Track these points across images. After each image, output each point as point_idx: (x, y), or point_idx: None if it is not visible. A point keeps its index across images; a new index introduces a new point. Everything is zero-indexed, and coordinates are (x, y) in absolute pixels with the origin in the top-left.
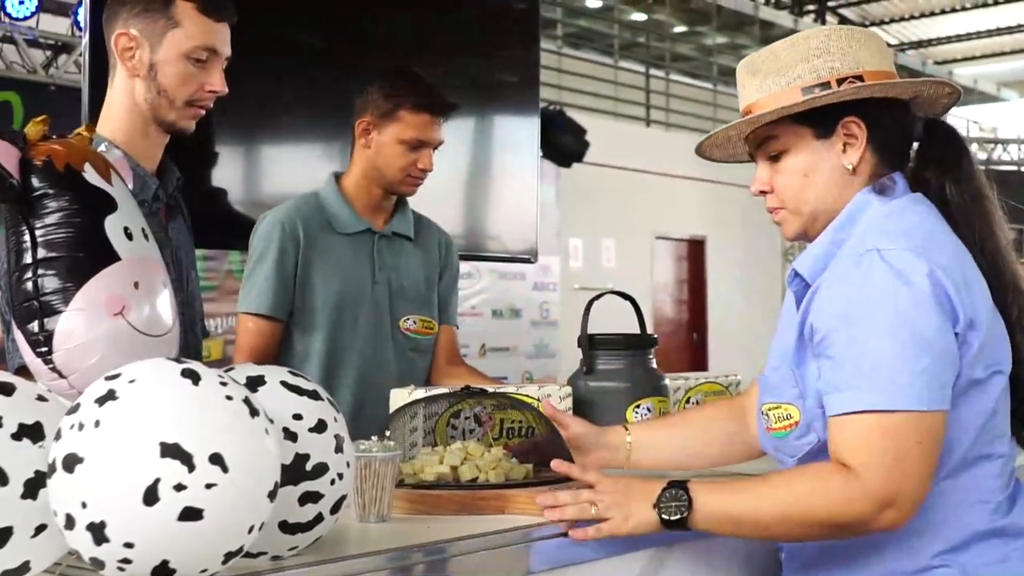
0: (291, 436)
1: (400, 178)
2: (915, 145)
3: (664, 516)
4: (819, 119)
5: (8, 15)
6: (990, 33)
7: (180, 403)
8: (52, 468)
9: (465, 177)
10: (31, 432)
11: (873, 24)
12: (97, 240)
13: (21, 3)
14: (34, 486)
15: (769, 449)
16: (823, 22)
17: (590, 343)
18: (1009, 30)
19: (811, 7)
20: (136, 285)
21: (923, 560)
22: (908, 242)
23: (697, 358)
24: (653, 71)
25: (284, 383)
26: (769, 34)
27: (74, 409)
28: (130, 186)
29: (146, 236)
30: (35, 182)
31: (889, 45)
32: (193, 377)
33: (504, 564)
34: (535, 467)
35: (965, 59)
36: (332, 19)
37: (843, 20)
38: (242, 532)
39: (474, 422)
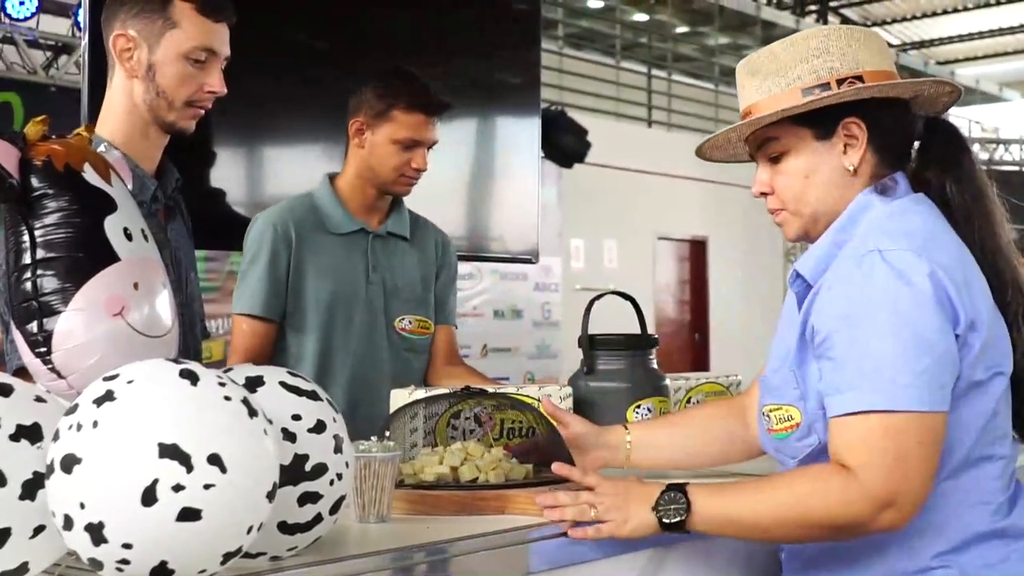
0: (290, 436)
1: (394, 178)
2: (916, 144)
3: (663, 519)
4: (819, 120)
5: (8, 16)
6: (992, 33)
7: (178, 404)
8: (50, 469)
9: (466, 178)
10: (29, 433)
11: (875, 24)
12: (96, 240)
13: (21, 4)
14: (32, 487)
15: (770, 450)
16: (825, 22)
17: (591, 343)
18: (1011, 30)
19: (813, 7)
20: (135, 286)
21: (923, 561)
22: (909, 243)
23: (698, 358)
24: (655, 71)
25: (283, 383)
26: (771, 34)
27: (72, 410)
28: (129, 187)
29: (145, 237)
30: (35, 182)
31: (891, 45)
32: (191, 378)
33: (504, 564)
34: (535, 467)
35: (967, 59)
36: (332, 19)
37: (845, 20)
38: (241, 533)
39: (474, 422)
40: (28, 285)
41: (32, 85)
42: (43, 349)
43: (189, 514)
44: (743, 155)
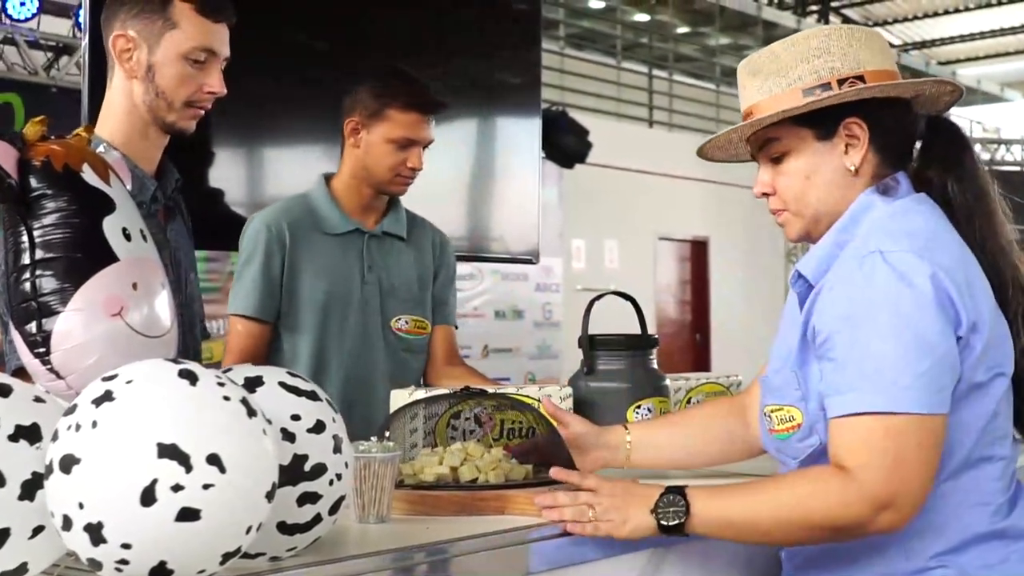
0: (289, 437)
1: (389, 178)
2: (918, 144)
3: (662, 521)
4: (820, 120)
5: (9, 16)
6: (993, 33)
7: (177, 404)
8: (49, 469)
9: (467, 178)
10: (28, 433)
11: (876, 24)
12: (95, 241)
13: (22, 4)
14: (31, 487)
15: (771, 450)
16: (826, 23)
17: (591, 344)
18: (1013, 30)
19: (814, 8)
20: (134, 286)
21: (921, 561)
22: (911, 244)
23: (700, 359)
24: (656, 72)
25: (282, 384)
26: (772, 35)
27: (71, 410)
28: (128, 187)
29: (144, 237)
30: (33, 182)
31: (892, 45)
32: (190, 378)
33: (504, 565)
34: (535, 468)
35: (968, 59)
36: (333, 20)
37: (846, 20)
38: (240, 533)
39: (474, 423)
40: (27, 285)
41: (33, 86)
42: (42, 349)
43: (188, 514)
44: (745, 155)
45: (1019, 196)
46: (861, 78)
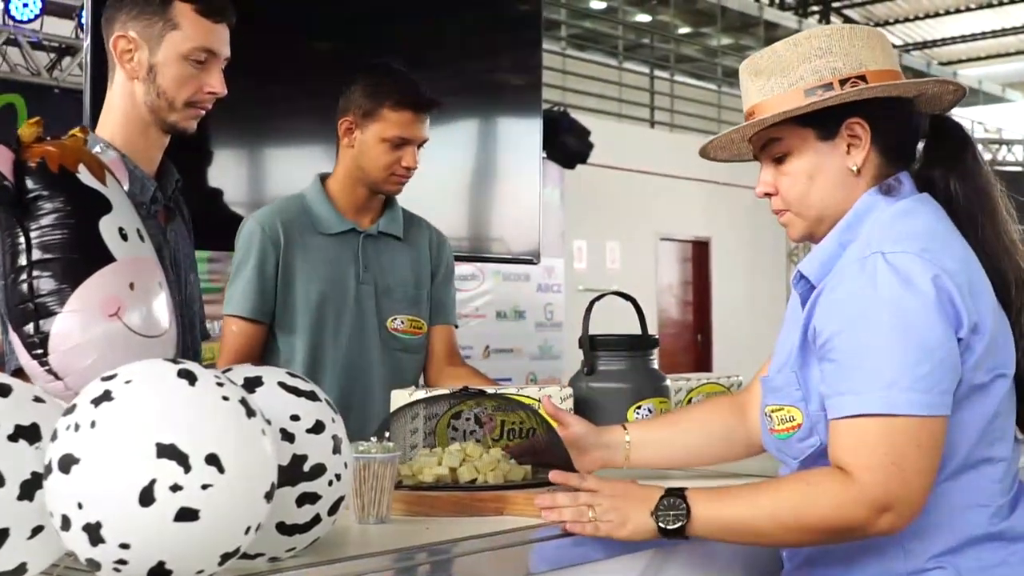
0: (288, 437)
1: (384, 177)
2: (921, 143)
3: (662, 525)
4: (822, 121)
5: (12, 17)
6: (995, 34)
7: (176, 404)
8: (48, 469)
9: (468, 179)
10: (27, 433)
11: (877, 25)
12: (92, 241)
13: (25, 6)
14: (31, 487)
15: (772, 450)
16: (827, 23)
17: (591, 344)
18: (1014, 31)
19: (815, 8)
20: (131, 286)
21: (920, 562)
22: (913, 245)
23: (701, 359)
24: (657, 72)
25: (282, 384)
26: (773, 35)
27: (70, 410)
28: (126, 187)
29: (141, 237)
30: (29, 184)
31: (894, 46)
32: (189, 378)
33: (504, 565)
34: (533, 468)
35: (970, 60)
36: (335, 21)
37: (847, 21)
38: (238, 533)
39: (475, 423)
40: (24, 287)
41: (36, 87)
42: (40, 351)
43: (187, 514)
44: (747, 154)
45: (1022, 196)
46: (863, 78)
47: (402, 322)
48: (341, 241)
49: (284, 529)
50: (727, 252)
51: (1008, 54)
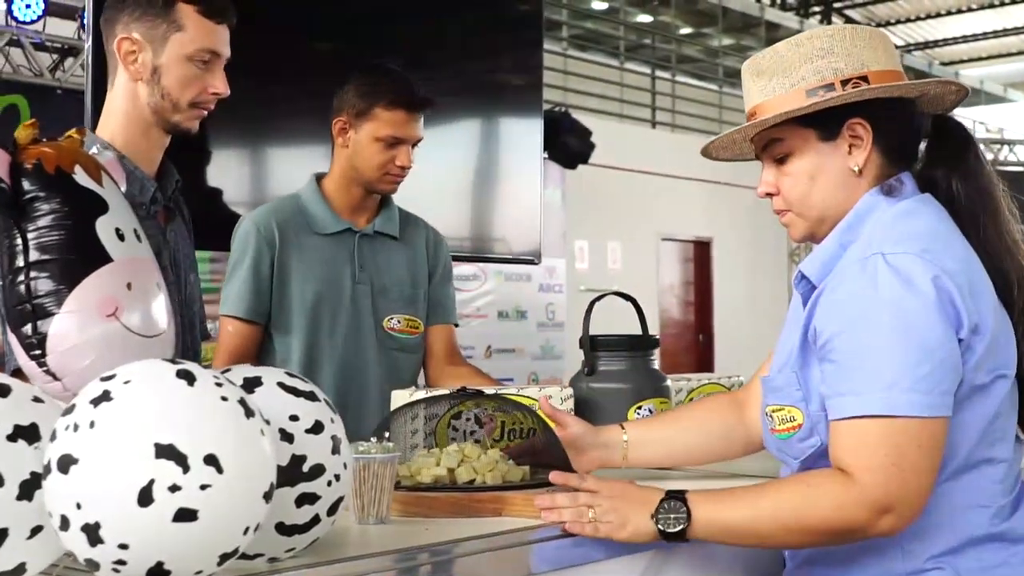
0: (287, 437)
1: (378, 176)
2: (924, 143)
3: (662, 527)
4: (824, 121)
5: (15, 18)
6: (996, 34)
7: (175, 404)
8: (47, 469)
9: (469, 179)
10: (27, 433)
11: (879, 25)
12: (89, 242)
13: (28, 7)
14: (30, 487)
15: (773, 450)
16: (829, 24)
17: (592, 344)
18: (1016, 31)
19: (817, 9)
20: (129, 286)
21: (919, 562)
22: (914, 245)
23: (703, 359)
24: (659, 73)
25: (281, 384)
26: (775, 36)
27: (69, 410)
28: (123, 188)
29: (138, 237)
30: (26, 185)
31: (895, 46)
32: (188, 378)
33: (505, 565)
34: (532, 469)
35: (971, 60)
36: (335, 21)
37: (849, 21)
38: (237, 533)
39: (475, 423)
40: (22, 288)
41: (38, 87)
42: (38, 351)
43: (185, 514)
44: (749, 154)
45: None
46: (865, 79)
47: (398, 322)
48: (337, 241)
49: (283, 529)
50: (728, 252)
51: (1010, 54)
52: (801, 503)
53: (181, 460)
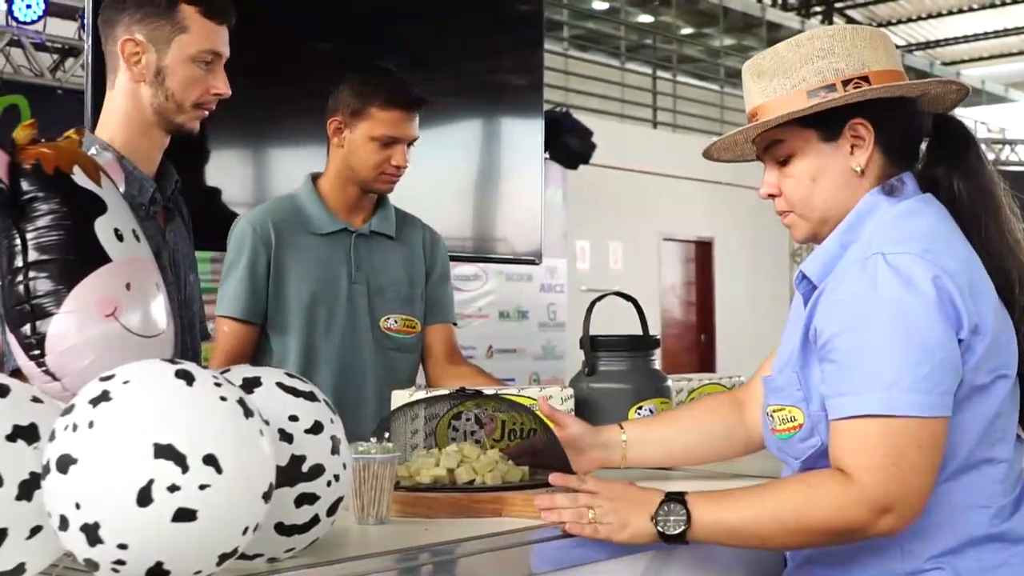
0: (287, 437)
1: (374, 176)
2: (925, 143)
3: (662, 529)
4: (825, 122)
5: (15, 19)
6: (997, 34)
7: (174, 404)
8: (46, 469)
9: (470, 179)
10: (26, 433)
11: (880, 25)
12: (87, 242)
13: (28, 7)
14: (29, 487)
15: (774, 450)
16: (830, 24)
17: (592, 344)
18: (1017, 31)
19: (818, 9)
20: (128, 286)
21: (918, 562)
22: (914, 246)
23: (705, 360)
24: (660, 73)
25: (280, 384)
26: (776, 36)
27: (68, 410)
28: (122, 188)
29: (137, 237)
30: (24, 185)
31: (896, 46)
32: (187, 378)
33: (505, 566)
34: (531, 469)
35: (972, 60)
36: (336, 22)
37: (850, 21)
38: (236, 533)
39: (475, 423)
40: (21, 288)
41: (39, 88)
42: (37, 352)
43: (184, 515)
44: (751, 154)
45: None
46: (866, 79)
47: (395, 321)
48: (333, 241)
49: (283, 530)
50: (730, 252)
51: (1011, 54)
52: (802, 503)
53: (180, 460)
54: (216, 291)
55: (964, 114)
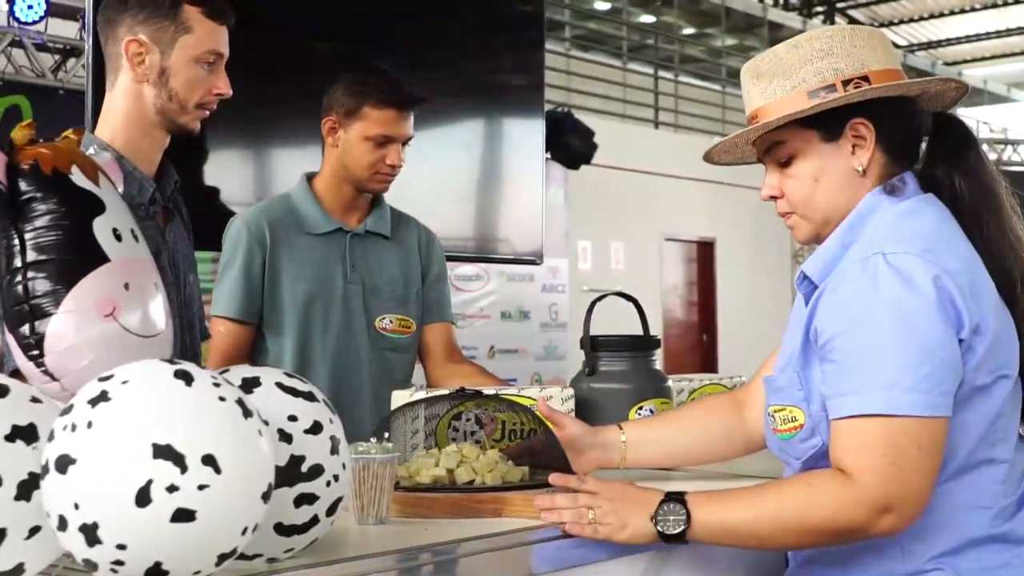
0: (286, 438)
1: (369, 175)
2: (925, 142)
3: (661, 529)
4: (826, 122)
5: (16, 19)
6: (1000, 34)
7: (172, 404)
8: (45, 469)
9: (472, 180)
10: (25, 433)
11: (882, 25)
12: (86, 242)
13: (30, 7)
14: (28, 488)
15: (775, 451)
16: (832, 24)
17: (592, 345)
18: (1019, 31)
19: (820, 9)
20: (126, 286)
21: (919, 563)
22: (915, 245)
23: (707, 360)
24: (662, 73)
25: (279, 384)
26: (778, 36)
27: (67, 410)
28: (121, 188)
29: (136, 237)
30: (23, 186)
31: (898, 46)
32: (186, 378)
33: (505, 566)
34: (531, 469)
35: (975, 60)
36: (335, 22)
37: (852, 21)
38: (235, 533)
39: (475, 424)
40: (19, 288)
41: (41, 88)
42: (36, 352)
43: (183, 515)
44: (751, 157)
45: None
46: (865, 78)
47: (390, 321)
48: (328, 241)
49: (282, 530)
50: (731, 252)
51: (1013, 54)
52: (802, 503)
53: (179, 460)
54: None
55: (966, 114)
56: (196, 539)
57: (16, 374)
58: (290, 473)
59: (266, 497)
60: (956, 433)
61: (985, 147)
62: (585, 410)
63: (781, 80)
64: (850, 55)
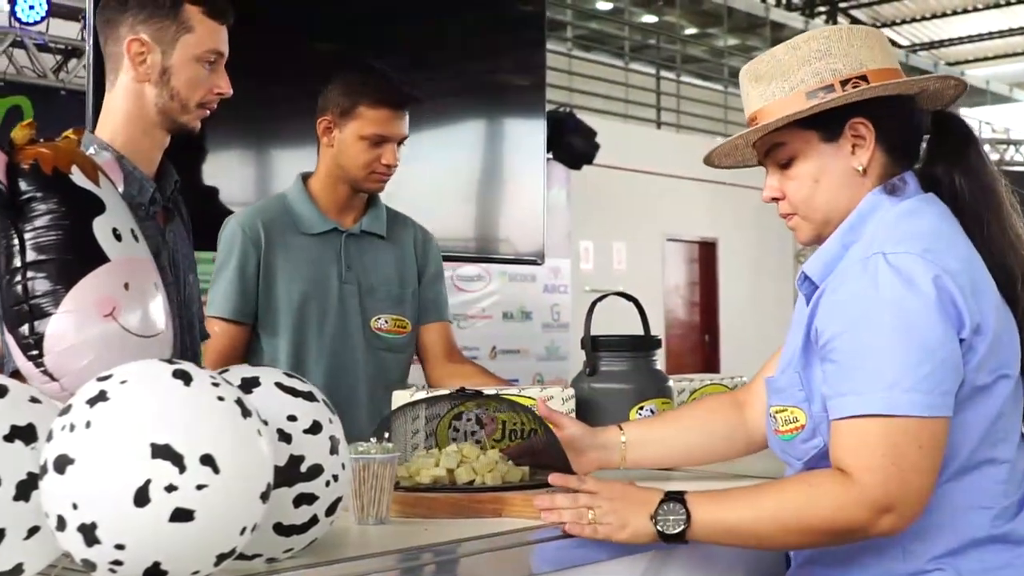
0: (285, 437)
1: (364, 175)
2: (925, 141)
3: (661, 529)
4: (825, 123)
5: (18, 20)
6: (1002, 34)
7: (171, 404)
8: (44, 469)
9: (473, 180)
10: (24, 434)
11: (884, 25)
12: (86, 242)
13: (31, 8)
14: (26, 488)
15: (776, 451)
16: (834, 24)
17: (593, 345)
18: (1021, 31)
19: (822, 9)
20: (126, 286)
21: (920, 563)
22: (915, 245)
23: (709, 360)
24: (664, 73)
25: (279, 384)
26: (780, 36)
27: (66, 410)
28: (121, 188)
29: (135, 237)
30: (23, 186)
31: (900, 46)
32: (185, 378)
33: (505, 566)
34: (531, 470)
35: (977, 60)
36: (336, 22)
37: (854, 21)
38: (234, 533)
39: (476, 424)
40: (19, 288)
41: (42, 88)
42: (35, 352)
43: (182, 515)
44: (751, 159)
45: None
46: (864, 78)
47: (386, 321)
48: (323, 241)
49: (281, 530)
50: (733, 253)
51: (1015, 54)
52: (802, 503)
53: (177, 460)
54: None
55: (968, 114)
56: (195, 539)
57: (17, 375)
58: (289, 473)
59: (265, 497)
60: (957, 433)
61: (987, 147)
62: (586, 410)
63: (780, 82)
64: (848, 55)
